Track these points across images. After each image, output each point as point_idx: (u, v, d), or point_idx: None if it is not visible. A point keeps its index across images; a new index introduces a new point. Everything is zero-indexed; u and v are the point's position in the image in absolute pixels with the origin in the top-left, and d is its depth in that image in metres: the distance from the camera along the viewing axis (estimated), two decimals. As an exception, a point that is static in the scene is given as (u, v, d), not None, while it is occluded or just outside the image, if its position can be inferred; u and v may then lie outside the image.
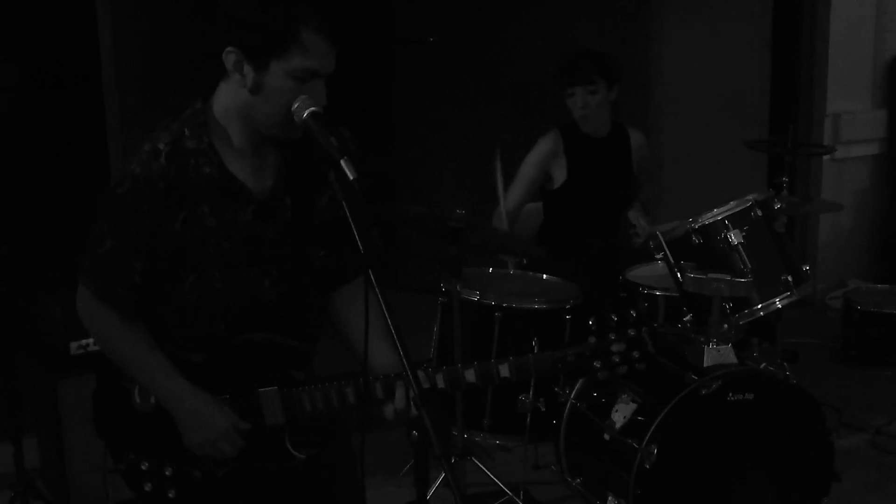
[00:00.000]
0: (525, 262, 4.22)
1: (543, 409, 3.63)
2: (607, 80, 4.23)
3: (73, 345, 3.55)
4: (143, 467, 2.40)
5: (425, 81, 6.18)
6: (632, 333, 2.32)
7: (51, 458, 3.72)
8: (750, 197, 3.53)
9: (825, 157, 5.88)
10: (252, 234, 2.33)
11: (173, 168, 2.25)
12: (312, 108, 2.19)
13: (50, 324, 3.62)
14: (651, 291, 3.83)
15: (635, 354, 2.32)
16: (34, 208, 4.69)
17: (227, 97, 2.29)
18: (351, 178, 2.08)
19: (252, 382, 2.36)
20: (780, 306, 3.50)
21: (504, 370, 2.34)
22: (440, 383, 2.32)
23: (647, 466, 3.15)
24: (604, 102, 4.26)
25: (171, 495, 2.40)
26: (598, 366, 2.32)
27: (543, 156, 4.30)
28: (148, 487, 2.41)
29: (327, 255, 2.45)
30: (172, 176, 2.25)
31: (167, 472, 2.39)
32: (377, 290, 2.06)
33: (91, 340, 3.52)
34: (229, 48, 2.21)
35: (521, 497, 3.73)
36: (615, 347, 2.31)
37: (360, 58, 6.49)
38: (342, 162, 2.09)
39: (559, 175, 4.31)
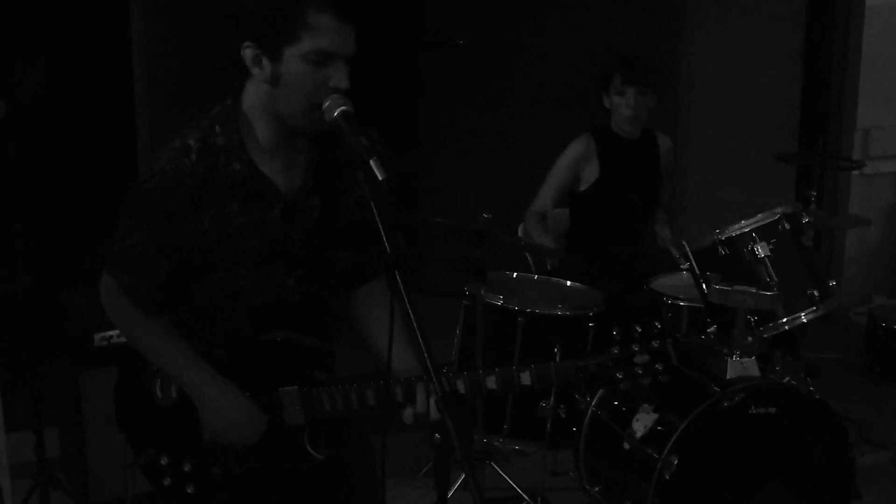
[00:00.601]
0: (549, 266, 4.22)
1: (564, 416, 3.62)
2: (654, 88, 4.27)
3: (97, 336, 3.57)
4: (163, 462, 2.41)
5: (452, 84, 6.18)
6: (656, 345, 2.30)
7: (71, 450, 3.74)
8: (778, 210, 3.51)
9: (854, 172, 5.84)
10: (279, 233, 2.33)
11: (203, 165, 2.25)
12: (343, 108, 2.18)
13: (74, 316, 3.64)
14: (675, 301, 3.82)
15: (658, 366, 2.30)
16: (60, 202, 4.72)
17: (253, 95, 2.29)
18: (380, 178, 2.07)
19: (273, 381, 2.36)
20: (805, 321, 3.48)
21: (525, 378, 2.33)
22: (461, 388, 2.31)
23: (667, 477, 3.14)
24: (648, 107, 4.28)
25: (189, 491, 2.41)
26: (621, 376, 2.30)
27: (575, 159, 4.31)
28: (167, 482, 2.41)
29: (351, 256, 2.45)
30: (201, 173, 2.25)
31: (186, 468, 2.40)
32: (402, 290, 2.05)
33: (115, 332, 3.55)
34: (246, 43, 2.22)
35: (539, 503, 3.72)
36: (639, 359, 2.29)
37: (387, 61, 6.52)
38: (371, 162, 2.09)
39: (590, 176, 4.31)
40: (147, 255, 2.29)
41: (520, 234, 4.34)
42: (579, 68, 5.53)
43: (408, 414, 2.32)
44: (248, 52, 2.22)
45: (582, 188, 4.35)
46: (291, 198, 2.34)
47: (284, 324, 2.38)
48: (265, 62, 2.22)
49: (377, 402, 2.33)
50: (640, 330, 2.31)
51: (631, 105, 4.24)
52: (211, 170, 2.26)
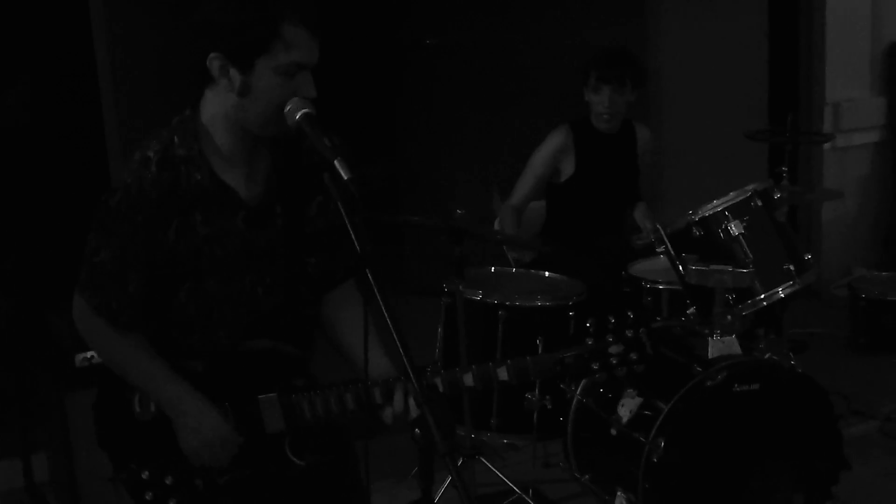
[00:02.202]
0: (528, 259, 4.23)
1: (550, 407, 3.63)
2: (633, 84, 4.25)
3: (78, 357, 3.55)
4: (144, 476, 2.39)
5: (430, 85, 6.18)
6: (629, 335, 2.32)
7: (60, 472, 3.73)
8: (749, 187, 3.53)
9: (826, 146, 5.87)
10: (244, 242, 2.33)
11: (165, 176, 2.25)
12: (305, 110, 2.19)
13: (56, 338, 3.63)
14: (654, 285, 3.83)
15: (633, 356, 2.32)
16: (38, 224, 4.71)
17: (214, 104, 2.29)
18: (345, 178, 2.07)
19: (252, 390, 2.35)
20: (783, 295, 3.51)
21: (502, 373, 2.35)
22: (440, 387, 2.32)
23: (655, 460, 3.15)
24: (625, 104, 4.28)
25: None
26: (597, 367, 2.33)
27: (553, 151, 4.32)
28: (149, 497, 2.39)
29: (319, 262, 2.45)
30: (164, 184, 2.25)
31: (168, 481, 2.38)
32: (375, 289, 2.05)
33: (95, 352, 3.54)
34: (213, 54, 2.22)
35: (531, 495, 3.73)
36: (613, 349, 2.32)
37: (365, 63, 6.52)
38: (336, 162, 2.08)
39: (567, 169, 4.33)
40: (116, 271, 2.28)
41: (496, 228, 4.35)
42: (553, 62, 5.54)
43: (387, 414, 2.32)
44: (215, 63, 2.22)
45: (559, 181, 4.36)
46: (254, 205, 2.34)
47: (260, 333, 2.38)
48: (234, 73, 2.22)
49: (357, 405, 2.33)
50: (613, 321, 2.32)
51: (605, 104, 4.24)
52: (173, 181, 2.26)
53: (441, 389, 2.32)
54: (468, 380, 2.33)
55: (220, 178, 2.30)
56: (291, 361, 2.40)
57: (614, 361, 2.32)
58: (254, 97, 2.23)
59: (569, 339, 3.62)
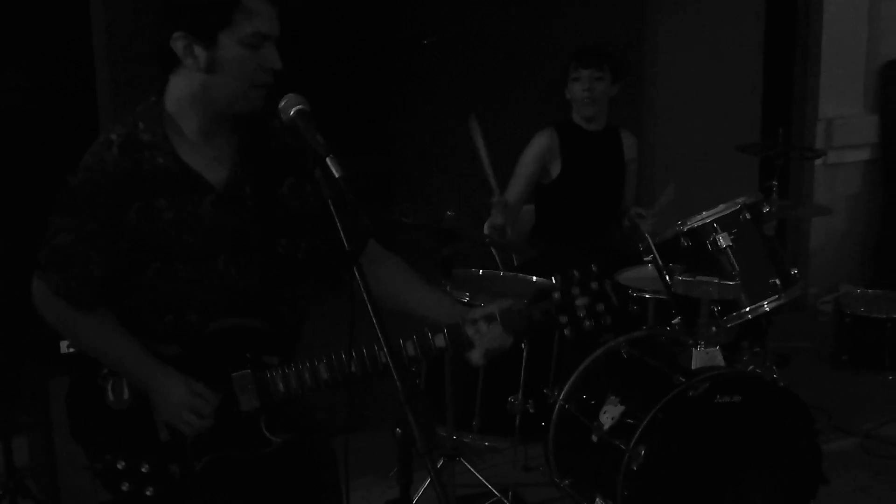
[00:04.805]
0: (515, 262, 4.24)
1: (533, 411, 3.64)
2: (613, 74, 4.32)
3: (63, 343, 3.55)
4: (119, 466, 2.39)
5: (425, 84, 6.19)
6: (595, 287, 2.31)
7: (41, 457, 3.72)
8: (739, 200, 3.55)
9: (817, 162, 5.90)
10: (214, 225, 2.33)
11: (126, 159, 2.27)
12: (299, 107, 2.20)
13: (40, 322, 3.62)
14: (641, 294, 3.84)
15: (600, 308, 2.31)
16: (25, 209, 4.70)
17: (179, 87, 2.30)
18: (337, 175, 2.08)
19: (225, 369, 2.36)
20: (767, 309, 3.52)
21: (483, 328, 2.33)
22: (410, 351, 2.32)
23: (635, 468, 3.15)
24: (605, 94, 4.34)
25: (148, 493, 2.38)
26: (565, 321, 2.32)
27: (541, 151, 4.36)
28: (125, 487, 2.39)
29: (289, 244, 2.44)
30: (126, 166, 2.27)
31: (143, 469, 2.38)
32: (362, 285, 2.06)
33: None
34: (176, 33, 2.23)
35: (510, 498, 3.74)
36: (580, 302, 2.30)
37: (358, 60, 6.53)
38: (328, 159, 2.10)
39: (554, 170, 4.36)
40: (77, 252, 2.29)
41: (486, 230, 4.35)
42: (545, 65, 5.55)
43: (476, 354, 2.33)
44: (178, 43, 2.24)
45: (547, 181, 4.38)
46: (222, 189, 2.34)
47: (232, 313, 2.38)
48: (198, 50, 2.24)
49: (330, 376, 2.33)
50: (578, 274, 2.32)
51: (585, 87, 4.28)
52: (135, 163, 2.27)
53: (412, 352, 2.31)
54: (439, 341, 2.32)
55: (184, 162, 2.31)
56: (262, 337, 2.39)
57: (581, 314, 2.31)
58: (220, 72, 2.25)
59: (554, 344, 3.65)
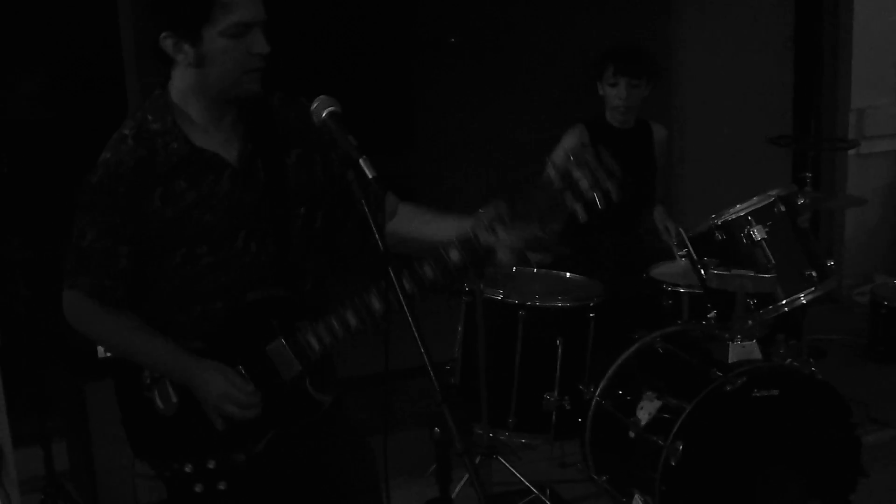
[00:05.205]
0: (549, 260, 4.22)
1: (568, 407, 3.63)
2: (649, 79, 4.26)
3: (100, 348, 3.57)
4: (188, 470, 2.41)
5: (446, 84, 6.19)
6: (589, 159, 2.19)
7: (80, 462, 3.75)
8: (773, 192, 3.52)
9: (850, 152, 5.85)
10: (232, 202, 2.37)
11: (142, 148, 2.32)
12: (332, 108, 2.22)
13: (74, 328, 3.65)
14: (675, 288, 3.83)
15: (601, 176, 2.19)
16: (59, 213, 4.73)
17: (179, 80, 2.35)
18: (370, 176, 2.09)
19: (259, 345, 2.39)
20: (804, 301, 3.49)
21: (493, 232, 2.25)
22: (429, 273, 2.28)
23: (673, 463, 3.14)
24: (640, 98, 4.28)
25: (222, 487, 2.41)
26: (571, 200, 2.19)
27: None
28: (199, 489, 2.41)
29: (308, 213, 2.46)
30: (142, 155, 2.32)
31: (210, 466, 2.40)
32: (397, 285, 2.07)
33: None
34: (163, 34, 2.28)
35: (548, 495, 3.73)
36: (578, 175, 2.19)
37: (380, 63, 6.53)
38: (361, 161, 2.11)
39: None
40: (105, 248, 2.33)
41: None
42: (573, 63, 5.53)
43: (500, 257, 2.27)
44: (168, 42, 2.29)
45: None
46: (236, 164, 2.39)
47: (256, 290, 2.41)
48: (186, 47, 2.28)
49: (358, 321, 2.33)
50: (571, 154, 2.19)
51: (622, 97, 4.24)
52: (150, 150, 2.32)
53: (431, 276, 2.28)
54: (454, 255, 2.28)
55: (197, 145, 2.35)
56: (286, 304, 2.41)
57: (584, 188, 2.19)
58: (210, 65, 2.29)
59: (588, 342, 3.63)
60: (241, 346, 2.40)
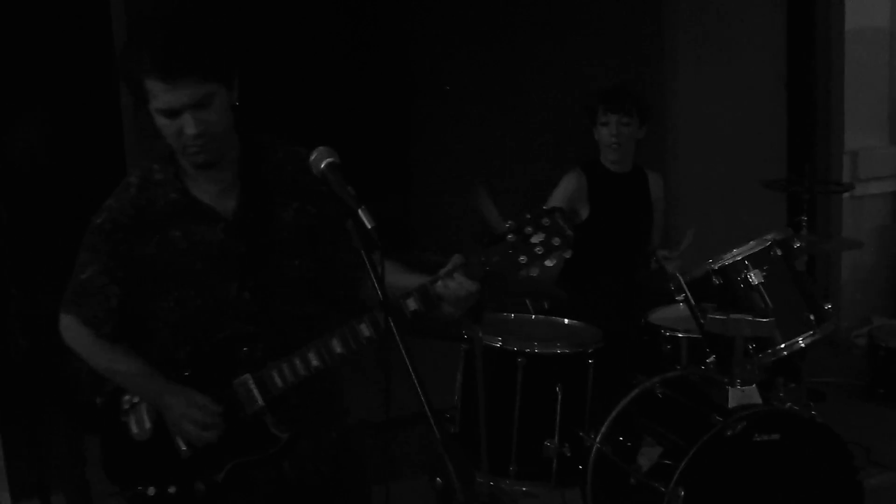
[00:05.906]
0: (546, 305, 4.22)
1: (569, 454, 3.62)
2: (640, 118, 4.30)
3: (100, 400, 3.55)
4: (150, 493, 2.51)
5: (442, 128, 6.22)
6: (546, 223, 2.30)
7: (78, 514, 3.73)
8: (769, 236, 3.53)
9: (844, 195, 5.87)
10: (225, 251, 2.46)
11: (143, 197, 2.47)
12: (329, 160, 2.24)
13: (75, 378, 3.63)
14: (673, 333, 3.83)
15: (555, 242, 2.30)
16: (57, 264, 4.73)
17: None
18: (369, 226, 2.10)
19: (229, 378, 2.47)
20: (802, 345, 3.49)
21: (440, 287, 2.37)
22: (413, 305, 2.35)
23: (675, 509, 3.13)
24: (632, 137, 4.32)
25: None
26: (524, 261, 2.29)
27: (569, 192, 4.34)
28: None
29: (302, 264, 2.53)
30: (143, 204, 2.47)
31: (171, 491, 2.49)
32: (396, 333, 2.09)
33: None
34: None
35: (549, 543, 3.71)
36: (535, 239, 2.29)
37: (378, 109, 6.57)
38: (360, 211, 2.13)
39: (583, 212, 4.34)
40: (101, 286, 2.48)
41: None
42: (566, 108, 5.57)
43: (447, 308, 2.38)
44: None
45: (575, 223, 4.36)
46: (231, 217, 2.48)
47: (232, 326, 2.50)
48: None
49: (319, 360, 2.40)
50: (529, 215, 2.30)
51: (613, 133, 4.28)
52: (150, 200, 2.47)
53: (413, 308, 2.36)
54: (412, 303, 2.36)
55: (193, 195, 2.48)
56: (260, 340, 2.47)
57: (539, 251, 2.29)
58: (160, 132, 2.40)
59: (587, 386, 3.62)
60: (214, 379, 2.48)
